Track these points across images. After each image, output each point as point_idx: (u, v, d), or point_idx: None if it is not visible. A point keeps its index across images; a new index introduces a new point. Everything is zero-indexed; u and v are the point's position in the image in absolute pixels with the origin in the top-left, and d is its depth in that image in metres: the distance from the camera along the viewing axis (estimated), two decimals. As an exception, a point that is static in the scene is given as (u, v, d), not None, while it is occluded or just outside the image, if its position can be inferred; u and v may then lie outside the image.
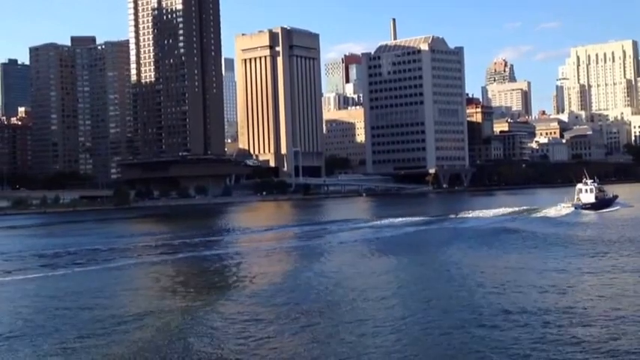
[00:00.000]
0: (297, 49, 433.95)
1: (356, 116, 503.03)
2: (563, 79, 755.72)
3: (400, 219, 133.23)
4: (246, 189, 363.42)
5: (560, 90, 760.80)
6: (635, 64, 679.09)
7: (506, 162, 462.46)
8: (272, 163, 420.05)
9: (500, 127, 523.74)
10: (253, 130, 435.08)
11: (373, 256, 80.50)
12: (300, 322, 45.62)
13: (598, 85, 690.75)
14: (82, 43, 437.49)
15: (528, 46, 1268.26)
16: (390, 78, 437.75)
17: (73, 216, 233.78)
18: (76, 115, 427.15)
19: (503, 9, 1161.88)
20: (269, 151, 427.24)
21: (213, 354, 39.31)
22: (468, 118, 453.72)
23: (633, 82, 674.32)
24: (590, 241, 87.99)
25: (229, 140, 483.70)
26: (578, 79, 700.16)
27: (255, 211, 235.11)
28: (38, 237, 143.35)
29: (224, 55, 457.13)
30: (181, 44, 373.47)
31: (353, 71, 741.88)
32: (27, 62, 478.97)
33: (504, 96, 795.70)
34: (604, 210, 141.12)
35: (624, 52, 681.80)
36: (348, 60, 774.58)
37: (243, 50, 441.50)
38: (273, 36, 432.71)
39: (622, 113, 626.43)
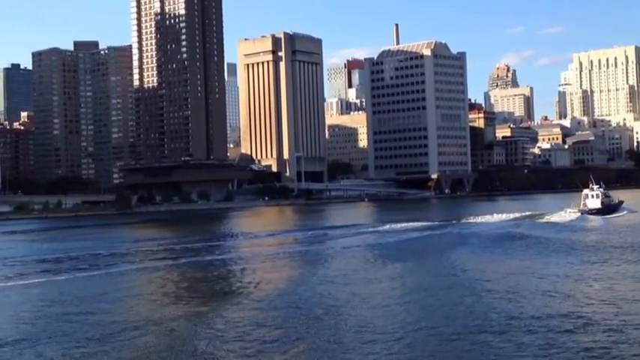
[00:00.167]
0: (299, 54, 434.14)
1: (358, 121, 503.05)
2: (566, 84, 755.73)
3: (402, 224, 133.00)
4: (249, 194, 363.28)
5: (562, 95, 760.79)
6: (638, 69, 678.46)
7: (508, 167, 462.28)
8: (274, 168, 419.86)
9: (502, 132, 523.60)
10: (256, 135, 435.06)
11: (376, 262, 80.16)
12: (304, 329, 45.41)
13: (600, 91, 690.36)
14: (85, 47, 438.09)
15: (531, 52, 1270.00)
16: (392, 83, 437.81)
17: (75, 221, 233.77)
18: (78, 119, 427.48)
19: (505, 14, 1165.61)
20: (271, 156, 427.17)
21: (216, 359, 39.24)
22: (471, 124, 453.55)
23: (636, 88, 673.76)
24: (603, 246, 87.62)
25: (232, 145, 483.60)
26: (581, 85, 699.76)
27: (257, 216, 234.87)
28: (40, 242, 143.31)
29: (227, 60, 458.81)
30: (184, 49, 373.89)
31: (355, 76, 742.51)
32: (30, 67, 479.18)
33: (507, 101, 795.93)
34: (610, 215, 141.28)
35: (627, 57, 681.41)
36: (351, 65, 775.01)
37: (245, 55, 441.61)
38: (275, 41, 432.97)
39: (624, 119, 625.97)
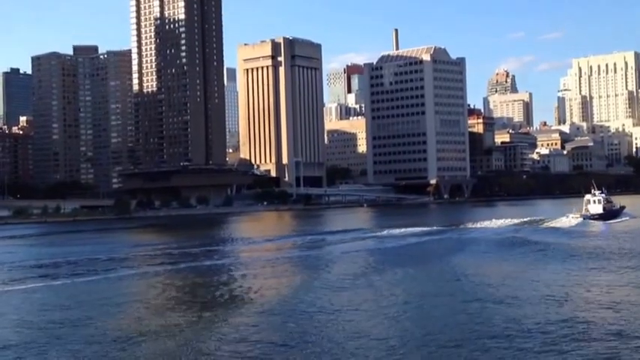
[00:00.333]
0: (299, 59, 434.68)
1: (358, 126, 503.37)
2: (565, 90, 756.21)
3: (401, 230, 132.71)
4: (248, 199, 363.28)
5: (561, 101, 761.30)
6: (637, 75, 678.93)
7: (507, 173, 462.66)
8: (273, 173, 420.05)
9: (501, 138, 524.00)
10: (255, 140, 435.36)
11: (375, 268, 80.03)
12: (303, 335, 45.34)
13: (600, 97, 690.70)
14: (85, 52, 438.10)
15: (530, 57, 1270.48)
16: (391, 88, 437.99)
17: (74, 226, 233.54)
18: (77, 124, 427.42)
19: (505, 19, 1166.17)
20: (270, 161, 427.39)
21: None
22: (470, 129, 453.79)
23: (635, 94, 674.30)
24: (609, 251, 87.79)
25: (231, 150, 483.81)
26: (580, 91, 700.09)
27: (256, 221, 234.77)
28: (39, 246, 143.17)
29: (226, 64, 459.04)
30: (183, 54, 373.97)
31: (355, 81, 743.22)
32: (29, 71, 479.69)
33: (506, 107, 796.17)
34: (612, 221, 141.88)
35: (626, 63, 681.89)
36: (350, 70, 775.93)
37: (245, 60, 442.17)
38: (275, 46, 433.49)
39: (623, 125, 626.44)
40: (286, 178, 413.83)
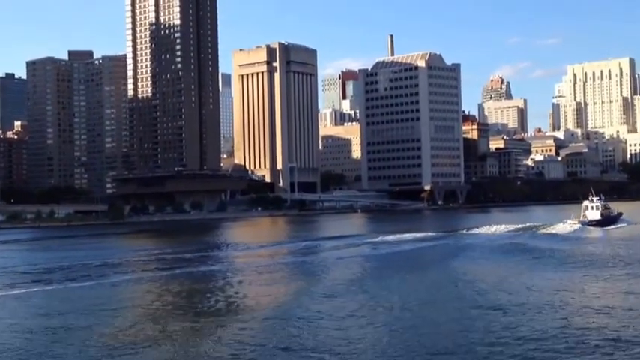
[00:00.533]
0: (294, 65, 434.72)
1: (352, 132, 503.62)
2: (560, 96, 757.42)
3: (396, 236, 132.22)
4: (242, 204, 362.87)
5: (556, 107, 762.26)
6: (632, 82, 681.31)
7: (501, 179, 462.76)
8: (267, 179, 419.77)
9: (495, 144, 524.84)
10: (249, 145, 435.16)
11: (370, 274, 79.96)
12: (297, 341, 45.11)
13: (594, 103, 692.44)
14: (80, 57, 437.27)
15: (525, 63, 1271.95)
16: (386, 94, 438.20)
17: (68, 231, 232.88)
18: (72, 129, 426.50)
19: (500, 26, 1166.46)
20: (265, 166, 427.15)
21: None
22: (464, 135, 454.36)
23: (630, 100, 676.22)
24: (610, 258, 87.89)
25: (225, 156, 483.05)
26: (575, 97, 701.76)
27: (250, 227, 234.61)
28: (32, 251, 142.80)
29: (221, 70, 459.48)
30: (178, 59, 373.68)
31: (350, 87, 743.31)
32: (24, 76, 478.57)
33: (500, 113, 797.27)
34: (609, 227, 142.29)
35: (621, 69, 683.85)
36: (345, 76, 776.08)
37: (240, 66, 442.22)
38: (270, 52, 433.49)
39: (618, 131, 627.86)
40: (280, 184, 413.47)
